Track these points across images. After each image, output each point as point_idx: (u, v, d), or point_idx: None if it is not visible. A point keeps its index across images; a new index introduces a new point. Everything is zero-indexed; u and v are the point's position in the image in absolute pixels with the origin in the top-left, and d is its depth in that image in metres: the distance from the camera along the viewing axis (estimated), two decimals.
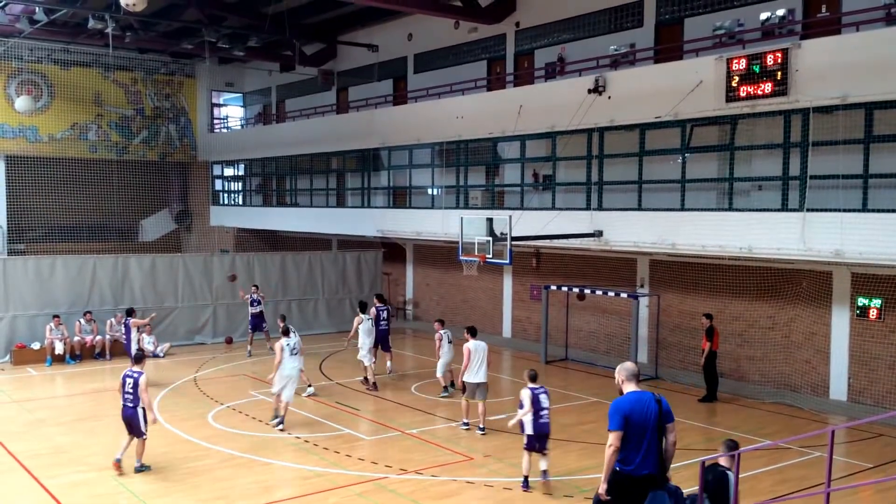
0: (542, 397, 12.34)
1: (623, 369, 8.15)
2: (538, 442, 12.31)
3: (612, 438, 7.69)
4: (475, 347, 15.45)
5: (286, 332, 15.99)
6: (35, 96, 33.79)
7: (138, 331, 20.68)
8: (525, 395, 12.34)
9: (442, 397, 18.16)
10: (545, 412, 12.30)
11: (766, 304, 18.98)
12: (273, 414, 15.83)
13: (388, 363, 20.37)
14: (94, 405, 17.33)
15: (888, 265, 15.58)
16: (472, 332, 15.93)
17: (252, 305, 23.39)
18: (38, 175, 33.46)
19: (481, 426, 15.43)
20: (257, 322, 23.48)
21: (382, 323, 19.92)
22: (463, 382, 15.61)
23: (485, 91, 24.51)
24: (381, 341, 19.83)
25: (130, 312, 20.52)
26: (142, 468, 12.88)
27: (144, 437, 12.89)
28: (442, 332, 18.36)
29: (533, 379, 12.59)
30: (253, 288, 23.85)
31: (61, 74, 34.53)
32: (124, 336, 20.76)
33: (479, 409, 15.38)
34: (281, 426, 15.31)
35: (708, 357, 18.02)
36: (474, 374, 15.36)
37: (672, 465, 13.16)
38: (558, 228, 19.49)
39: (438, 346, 18.17)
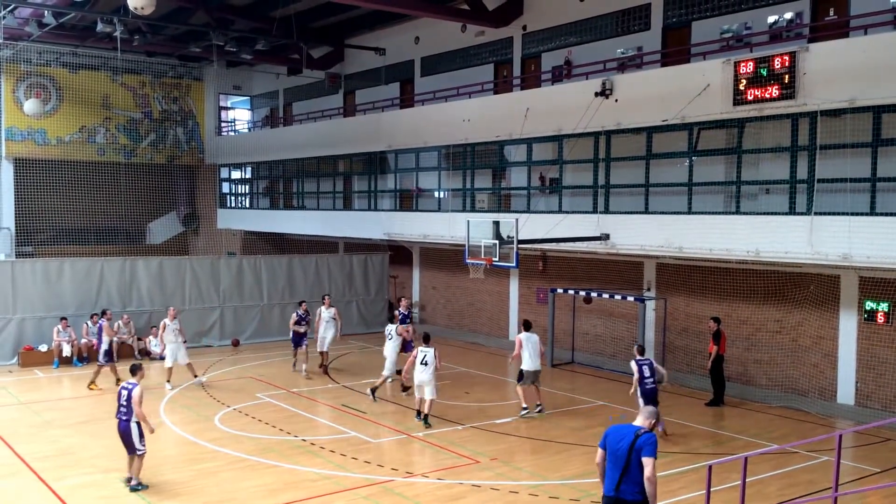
0: (645, 368, 14.97)
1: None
2: (647, 401, 14.25)
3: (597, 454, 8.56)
4: (526, 339, 16.77)
5: (426, 340, 16.61)
6: (44, 99, 33.94)
7: (138, 332, 20.69)
8: (633, 365, 15.07)
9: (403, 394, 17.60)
10: (649, 379, 14.90)
11: (774, 307, 18.93)
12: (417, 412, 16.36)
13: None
14: (101, 407, 17.35)
15: None
16: (527, 326, 17.26)
17: (298, 324, 21.14)
18: (46, 178, 33.57)
19: (538, 405, 16.86)
20: (299, 339, 21.24)
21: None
22: (520, 371, 16.85)
23: (491, 94, 24.52)
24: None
25: (104, 313, 20.48)
26: (138, 486, 12.24)
27: (140, 452, 12.27)
28: (419, 349, 16.29)
29: (640, 352, 15.44)
30: (302, 306, 21.74)
31: (70, 78, 34.68)
32: (96, 336, 20.92)
33: (535, 392, 16.92)
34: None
35: (715, 361, 17.96)
36: (529, 362, 16.65)
37: (679, 469, 13.22)
38: (565, 232, 19.47)
39: (410, 362, 16.41)
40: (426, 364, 15.88)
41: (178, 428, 15.70)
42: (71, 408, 17.54)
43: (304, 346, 20.98)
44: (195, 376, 19.50)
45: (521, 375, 16.91)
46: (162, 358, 22.36)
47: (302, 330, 21.17)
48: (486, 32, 25.90)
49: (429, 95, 26.67)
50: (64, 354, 21.75)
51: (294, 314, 21.48)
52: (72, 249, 32.05)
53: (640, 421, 8.38)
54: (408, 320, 20.86)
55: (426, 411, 15.96)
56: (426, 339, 16.56)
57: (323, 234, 31.30)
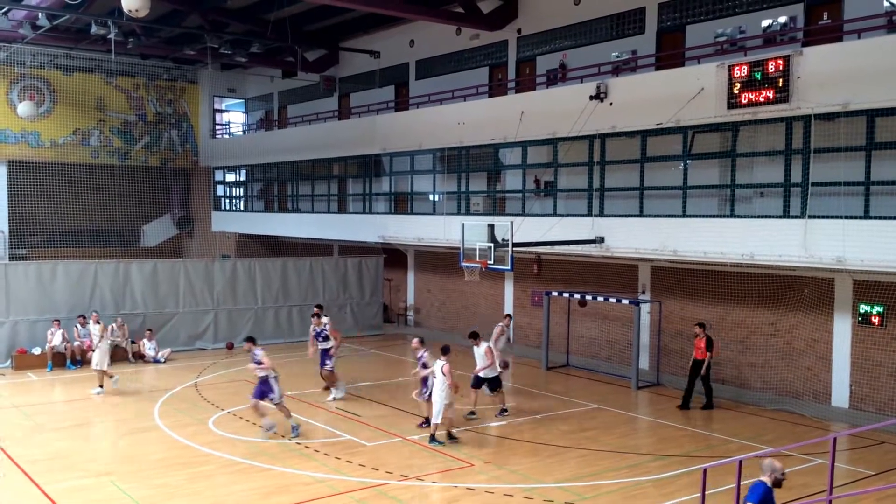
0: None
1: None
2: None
3: None
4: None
5: (445, 351, 15.12)
6: (37, 102, 33.87)
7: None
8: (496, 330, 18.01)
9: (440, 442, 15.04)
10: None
11: (768, 310, 18.95)
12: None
13: None
14: (93, 411, 17.30)
15: (890, 272, 15.55)
16: (475, 336, 17.24)
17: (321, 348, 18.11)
18: (40, 180, 33.56)
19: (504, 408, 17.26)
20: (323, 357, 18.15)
21: None
22: (496, 378, 17.11)
23: (486, 97, 24.52)
24: None
25: None
26: None
27: None
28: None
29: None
30: (314, 319, 18.63)
31: (63, 80, 34.61)
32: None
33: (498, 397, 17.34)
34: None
35: (707, 366, 17.89)
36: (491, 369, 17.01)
37: (674, 472, 13.23)
38: (560, 235, 19.47)
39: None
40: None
41: (172, 431, 15.64)
42: (64, 411, 17.47)
43: (328, 365, 18.25)
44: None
45: (497, 381, 17.01)
46: (157, 361, 22.38)
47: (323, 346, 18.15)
48: (481, 36, 25.92)
49: (423, 98, 26.66)
50: (56, 349, 21.72)
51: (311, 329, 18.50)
52: (66, 252, 31.93)
53: (764, 476, 8.30)
54: (321, 338, 18.45)
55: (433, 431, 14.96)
56: (445, 351, 15.16)
57: (317, 237, 31.27)
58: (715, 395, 18.92)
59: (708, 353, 17.88)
